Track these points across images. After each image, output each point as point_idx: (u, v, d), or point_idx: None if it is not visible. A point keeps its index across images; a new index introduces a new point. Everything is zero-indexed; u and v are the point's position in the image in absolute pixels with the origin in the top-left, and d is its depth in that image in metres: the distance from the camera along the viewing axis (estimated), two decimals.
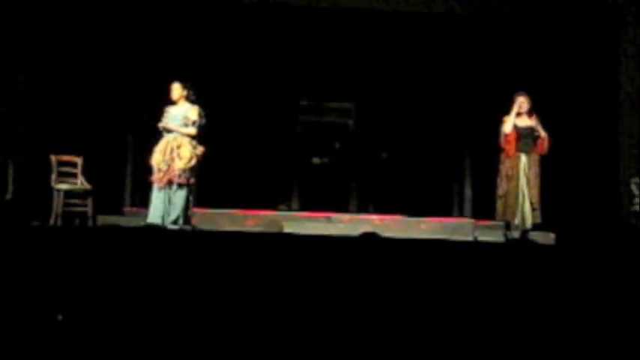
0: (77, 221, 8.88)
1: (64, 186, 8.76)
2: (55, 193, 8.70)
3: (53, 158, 8.81)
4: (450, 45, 11.11)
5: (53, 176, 8.77)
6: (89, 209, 8.89)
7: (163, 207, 7.93)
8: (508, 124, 8.41)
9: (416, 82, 11.41)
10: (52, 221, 8.58)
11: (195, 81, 8.43)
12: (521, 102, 8.48)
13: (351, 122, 12.04)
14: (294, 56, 11.27)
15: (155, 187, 8.01)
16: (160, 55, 10.60)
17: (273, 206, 10.95)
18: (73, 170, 8.99)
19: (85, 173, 9.02)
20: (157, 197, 7.98)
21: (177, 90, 8.24)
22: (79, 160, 9.02)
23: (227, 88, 11.14)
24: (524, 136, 8.42)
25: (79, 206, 8.88)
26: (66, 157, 8.97)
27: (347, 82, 11.52)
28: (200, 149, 8.13)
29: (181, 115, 8.13)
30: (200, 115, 8.16)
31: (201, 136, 8.20)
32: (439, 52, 11.20)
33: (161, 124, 8.14)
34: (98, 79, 10.12)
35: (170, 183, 7.95)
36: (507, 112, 8.49)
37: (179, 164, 7.95)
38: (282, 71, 11.36)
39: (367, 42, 11.12)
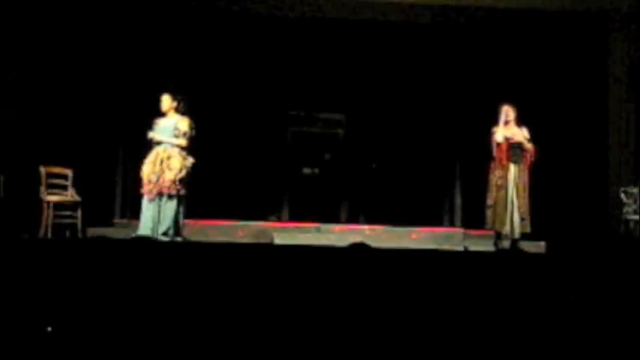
0: (67, 233, 8.84)
1: (53, 198, 8.72)
2: (45, 205, 8.66)
3: (42, 170, 8.77)
4: (440, 56, 11.14)
5: (42, 188, 8.73)
6: (79, 221, 8.86)
7: (153, 218, 7.91)
8: (499, 134, 8.42)
9: (406, 92, 11.43)
10: (41, 233, 8.54)
11: (184, 92, 8.42)
12: (507, 110, 8.51)
13: (341, 132, 12.05)
14: (284, 67, 11.28)
15: (145, 198, 7.99)
16: (150, 67, 10.60)
17: (263, 217, 10.94)
18: (63, 182, 8.95)
19: (75, 185, 8.99)
20: (147, 209, 7.96)
21: (166, 101, 8.24)
22: (69, 172, 8.99)
23: (217, 99, 11.14)
24: (513, 147, 8.43)
25: (68, 218, 8.84)
26: (56, 169, 8.93)
27: (337, 92, 11.53)
28: (190, 160, 8.12)
29: (171, 126, 8.12)
30: (190, 127, 8.15)
31: (191, 148, 8.19)
32: (429, 63, 11.23)
33: (150, 135, 8.12)
34: (88, 91, 10.11)
35: (160, 194, 7.93)
36: (496, 122, 8.51)
37: (169, 175, 7.94)
38: (272, 82, 11.37)
39: (357, 52, 11.14)
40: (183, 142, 8.10)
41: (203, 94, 10.63)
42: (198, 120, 8.34)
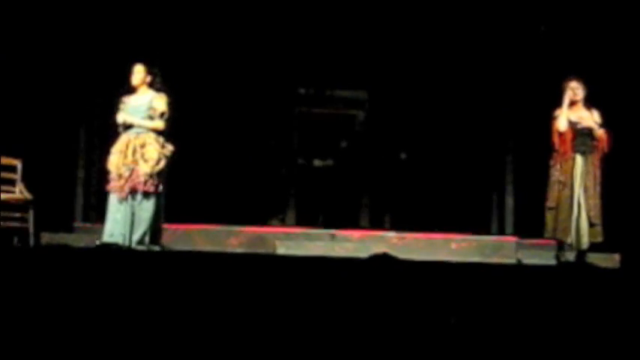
0: (15, 240, 8.88)
1: None
2: None
3: None
4: (488, 16, 11.10)
5: None
6: (30, 224, 8.90)
7: (124, 222, 7.92)
8: (562, 120, 8.37)
9: (444, 64, 11.41)
10: None
11: (164, 62, 8.42)
12: (574, 88, 8.47)
13: (361, 115, 12.07)
14: (290, 32, 11.27)
15: (113, 197, 8.00)
16: (120, 30, 10.60)
17: (263, 221, 10.97)
18: (10, 176, 8.98)
19: (25, 180, 9.02)
20: (116, 210, 7.97)
21: (139, 74, 8.22)
22: (17, 163, 9.02)
23: (205, 72, 11.16)
24: (581, 134, 8.40)
25: (17, 221, 8.88)
26: (1, 160, 8.96)
27: (357, 64, 11.53)
28: (169, 148, 8.11)
29: (145, 105, 8.12)
30: (168, 106, 8.14)
31: (169, 133, 8.19)
32: (474, 25, 11.18)
33: (121, 117, 8.10)
34: (40, 62, 10.11)
35: (134, 192, 7.94)
36: (559, 103, 8.48)
37: (144, 168, 7.94)
38: (276, 51, 11.36)
39: (383, 13, 11.12)
40: (161, 124, 8.09)
41: (188, 66, 10.65)
42: (181, 99, 8.35)
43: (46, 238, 9.13)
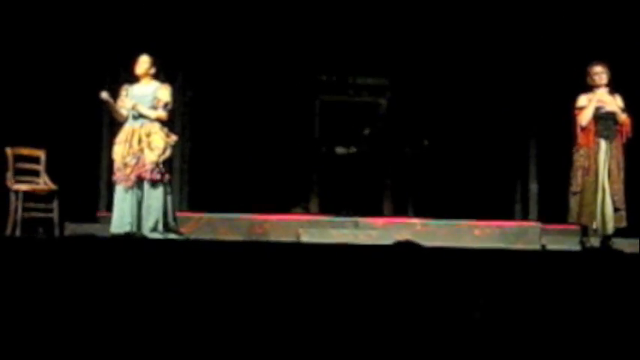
0: (40, 230, 8.91)
1: (23, 186, 8.79)
2: (12, 196, 8.73)
3: (9, 152, 8.83)
4: (510, 1, 11.04)
5: (9, 174, 8.80)
6: (55, 215, 8.92)
7: (132, 211, 7.96)
8: (585, 114, 8.30)
9: (466, 50, 11.35)
10: (8, 230, 8.61)
11: (182, 51, 8.43)
12: (599, 72, 8.41)
13: (383, 102, 12.02)
14: (312, 20, 11.23)
15: (120, 187, 8.05)
16: (142, 20, 10.57)
17: (286, 209, 10.96)
18: (35, 167, 9.02)
19: (49, 170, 9.04)
20: (122, 200, 8.01)
21: (145, 64, 8.31)
22: (41, 154, 9.05)
23: (227, 61, 11.13)
24: (604, 118, 8.35)
25: (42, 211, 8.91)
26: (25, 151, 9.00)
27: (379, 51, 11.49)
28: (173, 138, 8.22)
29: (149, 95, 8.20)
30: (172, 97, 8.22)
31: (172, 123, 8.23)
32: (495, 12, 11.12)
33: (130, 103, 8.12)
34: (63, 51, 10.10)
35: (140, 180, 7.98)
36: (582, 88, 8.41)
37: (151, 156, 7.99)
38: (298, 40, 11.33)
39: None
40: (164, 114, 8.20)
41: (210, 56, 10.63)
42: (202, 87, 8.37)
43: (71, 228, 9.15)
